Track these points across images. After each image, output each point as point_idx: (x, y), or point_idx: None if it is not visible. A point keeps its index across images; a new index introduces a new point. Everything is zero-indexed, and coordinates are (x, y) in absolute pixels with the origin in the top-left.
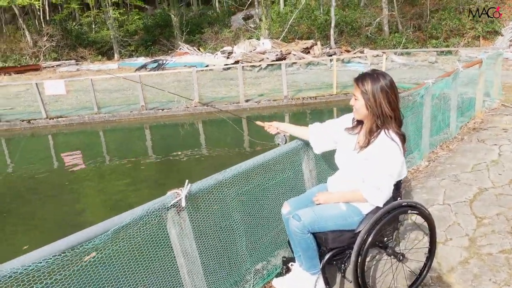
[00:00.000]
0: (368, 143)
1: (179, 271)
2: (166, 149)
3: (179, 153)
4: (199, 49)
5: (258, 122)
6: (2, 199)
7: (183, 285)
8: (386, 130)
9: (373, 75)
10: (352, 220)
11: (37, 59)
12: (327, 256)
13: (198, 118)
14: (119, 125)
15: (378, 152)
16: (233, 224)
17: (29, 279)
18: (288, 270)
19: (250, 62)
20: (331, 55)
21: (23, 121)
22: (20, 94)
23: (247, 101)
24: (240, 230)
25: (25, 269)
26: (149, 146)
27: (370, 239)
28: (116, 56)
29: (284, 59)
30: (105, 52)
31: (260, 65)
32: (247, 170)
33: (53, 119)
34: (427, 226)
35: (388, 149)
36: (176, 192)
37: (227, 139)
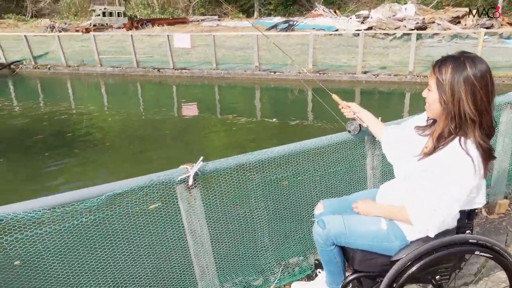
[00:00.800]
0: (433, 150)
1: (189, 250)
2: (270, 112)
3: (274, 120)
4: (335, 12)
5: (335, 97)
6: (119, 134)
7: (192, 265)
8: (462, 138)
9: (459, 59)
10: (390, 245)
11: (187, 13)
12: (350, 278)
13: (308, 85)
14: (233, 82)
15: (442, 165)
16: (256, 213)
17: (19, 225)
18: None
19: (384, 29)
20: (488, 28)
21: (154, 69)
22: (162, 45)
23: (365, 72)
24: (263, 221)
25: (15, 216)
26: (257, 107)
27: (409, 272)
28: (255, 14)
29: (425, 28)
30: (246, 10)
31: (394, 34)
32: (284, 156)
33: (178, 70)
34: (508, 278)
35: (457, 164)
36: (186, 168)
37: (335, 113)
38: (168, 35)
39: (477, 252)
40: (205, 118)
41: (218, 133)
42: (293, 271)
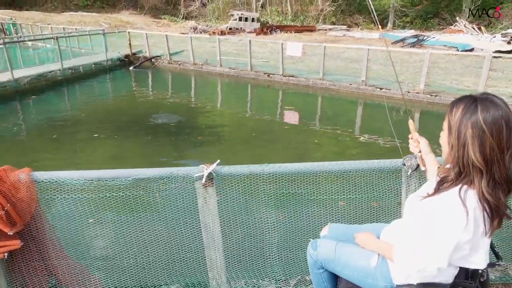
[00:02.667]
0: (434, 193)
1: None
2: (369, 130)
3: (378, 139)
4: (479, 29)
5: (411, 124)
6: (220, 127)
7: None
8: (465, 187)
9: (473, 100)
10: (374, 283)
11: (318, 21)
12: None
13: (416, 106)
14: (336, 94)
15: (434, 211)
16: (269, 223)
17: (69, 187)
18: None
19: None
20: None
21: (265, 73)
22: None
23: None
24: (275, 231)
25: (66, 179)
26: (357, 123)
27: None
28: (389, 25)
29: None
30: (379, 21)
31: None
32: (298, 173)
33: (286, 76)
34: None
35: (448, 213)
36: (203, 167)
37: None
38: (282, 43)
39: None
40: (304, 125)
41: (313, 142)
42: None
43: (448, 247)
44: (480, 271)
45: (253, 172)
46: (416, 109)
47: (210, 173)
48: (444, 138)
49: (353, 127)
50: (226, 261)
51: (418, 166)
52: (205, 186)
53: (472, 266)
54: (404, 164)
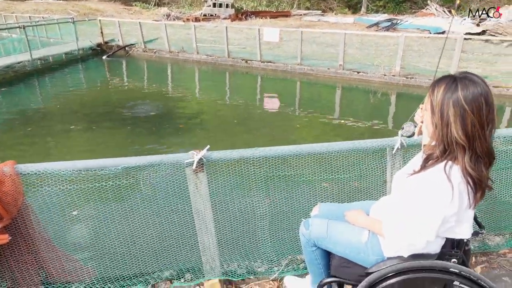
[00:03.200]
0: (420, 170)
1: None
2: (349, 113)
3: (357, 121)
4: (450, 12)
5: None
6: (194, 115)
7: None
8: (449, 163)
9: (453, 80)
10: (366, 257)
11: (292, 6)
12: (324, 281)
13: (393, 88)
14: (314, 79)
15: (421, 187)
16: (261, 206)
17: (56, 179)
18: None
19: (501, 33)
20: None
21: (243, 60)
22: (257, 37)
23: None
24: (266, 213)
25: (53, 170)
26: (336, 106)
27: (382, 286)
28: (362, 10)
29: None
30: (353, 5)
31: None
32: (288, 155)
33: (264, 62)
34: None
35: (434, 189)
36: (193, 153)
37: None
38: (258, 29)
39: (456, 283)
40: (285, 110)
41: (294, 126)
42: (298, 266)
43: (436, 221)
44: (465, 241)
45: (244, 157)
46: (392, 92)
47: (200, 159)
48: (427, 118)
49: (332, 110)
50: (218, 245)
51: (413, 134)
52: (196, 172)
53: (457, 236)
54: (402, 128)
